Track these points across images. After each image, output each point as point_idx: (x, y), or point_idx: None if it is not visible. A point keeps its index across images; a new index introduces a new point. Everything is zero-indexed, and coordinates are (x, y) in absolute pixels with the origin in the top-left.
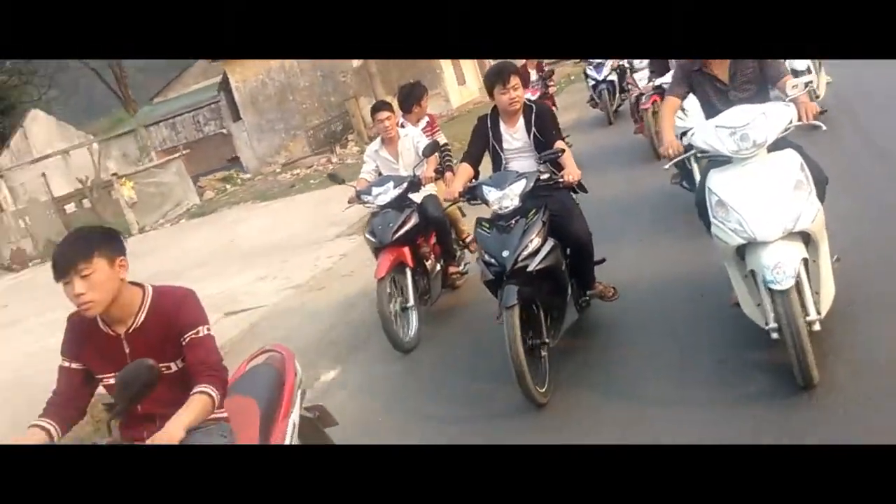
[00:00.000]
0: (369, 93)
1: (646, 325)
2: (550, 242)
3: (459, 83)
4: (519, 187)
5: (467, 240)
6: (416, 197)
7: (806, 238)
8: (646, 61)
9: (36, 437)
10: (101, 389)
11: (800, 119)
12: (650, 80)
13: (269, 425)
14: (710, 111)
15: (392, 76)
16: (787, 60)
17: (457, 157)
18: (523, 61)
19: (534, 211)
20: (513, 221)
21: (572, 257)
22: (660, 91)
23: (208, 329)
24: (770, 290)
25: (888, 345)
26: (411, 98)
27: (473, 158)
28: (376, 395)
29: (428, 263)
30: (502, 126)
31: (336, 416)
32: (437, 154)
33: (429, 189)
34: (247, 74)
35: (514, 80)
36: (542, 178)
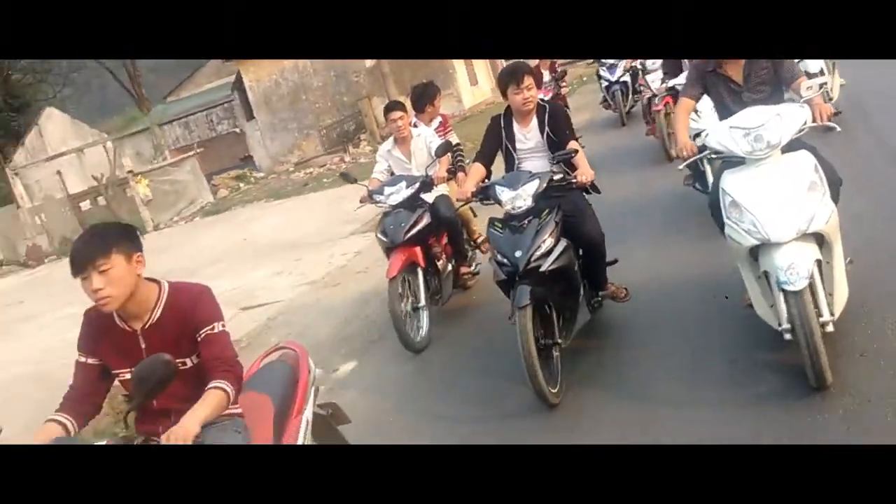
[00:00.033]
0: (382, 93)
1: (658, 325)
2: (563, 243)
3: (472, 83)
4: (532, 187)
5: (479, 240)
6: (428, 197)
7: (820, 239)
8: (658, 63)
9: (53, 431)
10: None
11: (814, 120)
12: (663, 81)
13: (282, 422)
14: (724, 112)
15: (405, 76)
16: (800, 62)
17: (469, 158)
18: (536, 62)
19: (547, 211)
20: (525, 221)
21: (585, 258)
22: (673, 92)
23: (223, 325)
24: (783, 290)
25: None
26: (424, 98)
27: (486, 158)
28: (387, 395)
29: (439, 263)
30: (515, 126)
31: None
32: (449, 154)
33: (441, 189)
34: (260, 74)
35: (528, 81)
36: (555, 178)
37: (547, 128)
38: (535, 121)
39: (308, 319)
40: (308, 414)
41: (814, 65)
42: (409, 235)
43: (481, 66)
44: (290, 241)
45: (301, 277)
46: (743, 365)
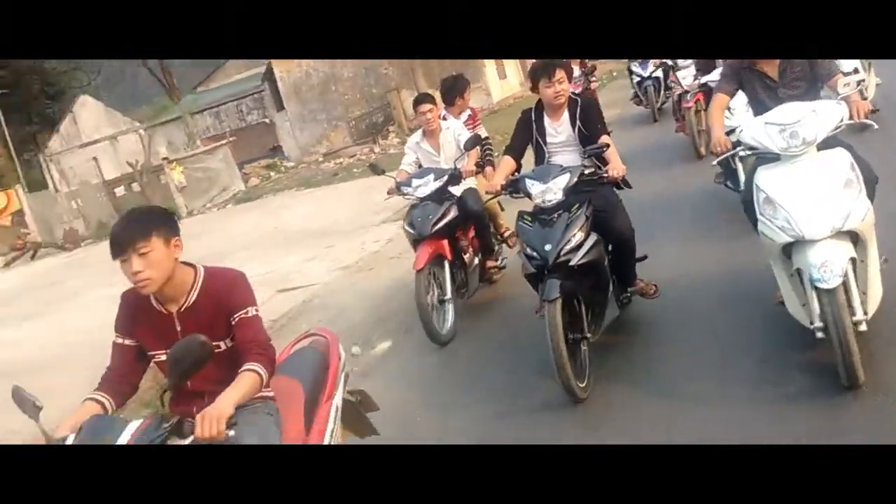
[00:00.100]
0: (411, 85)
1: (687, 323)
2: (593, 237)
3: (500, 77)
4: (563, 181)
5: (506, 234)
6: (456, 190)
7: (854, 238)
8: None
9: (91, 410)
10: None
11: (851, 117)
12: (696, 77)
13: (313, 407)
14: (759, 108)
15: (434, 69)
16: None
17: (497, 151)
18: None
19: (577, 205)
20: (555, 215)
21: (614, 253)
22: (705, 89)
23: (257, 310)
24: (817, 288)
25: None
26: (454, 91)
27: (516, 152)
28: (413, 386)
29: (466, 257)
30: (546, 120)
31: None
32: (478, 148)
33: (469, 182)
34: (291, 65)
35: (560, 74)
36: (586, 172)
37: (578, 122)
38: (566, 114)
39: (343, 302)
40: (338, 400)
41: (847, 64)
42: (436, 228)
43: (511, 61)
44: (321, 229)
45: (334, 263)
46: (773, 363)
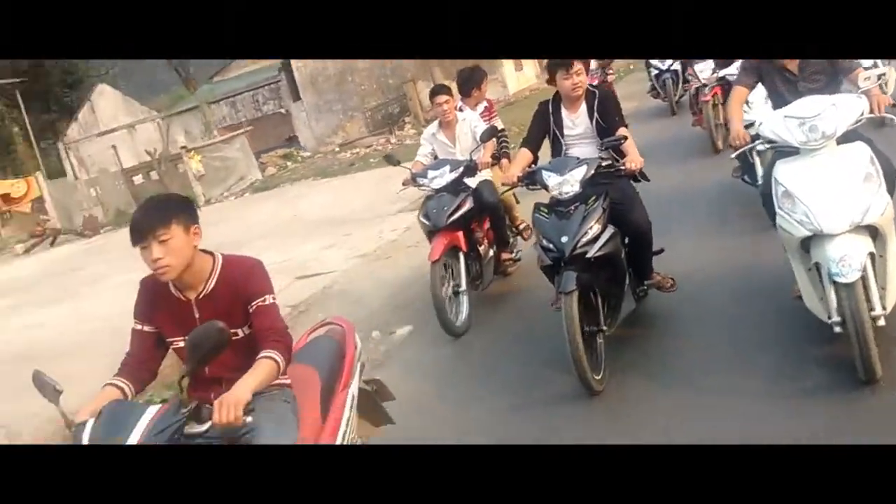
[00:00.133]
0: (427, 76)
1: (704, 316)
2: (610, 230)
3: (517, 69)
4: (580, 173)
5: (521, 226)
6: (472, 182)
7: (873, 232)
8: None
9: (111, 395)
10: None
11: (871, 111)
12: (714, 71)
13: (329, 395)
14: (779, 102)
15: (450, 60)
16: None
17: (514, 143)
18: None
19: (594, 198)
20: (572, 207)
21: (631, 246)
22: (722, 82)
23: (274, 298)
24: (835, 283)
25: None
26: (471, 82)
27: (533, 143)
28: (428, 376)
29: (481, 249)
30: (564, 112)
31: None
32: (494, 139)
33: (484, 174)
34: None
35: (578, 66)
36: (603, 164)
37: (596, 114)
38: (583, 107)
39: (362, 289)
40: (354, 388)
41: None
42: (451, 219)
43: None
44: (339, 217)
45: (352, 251)
46: (791, 357)
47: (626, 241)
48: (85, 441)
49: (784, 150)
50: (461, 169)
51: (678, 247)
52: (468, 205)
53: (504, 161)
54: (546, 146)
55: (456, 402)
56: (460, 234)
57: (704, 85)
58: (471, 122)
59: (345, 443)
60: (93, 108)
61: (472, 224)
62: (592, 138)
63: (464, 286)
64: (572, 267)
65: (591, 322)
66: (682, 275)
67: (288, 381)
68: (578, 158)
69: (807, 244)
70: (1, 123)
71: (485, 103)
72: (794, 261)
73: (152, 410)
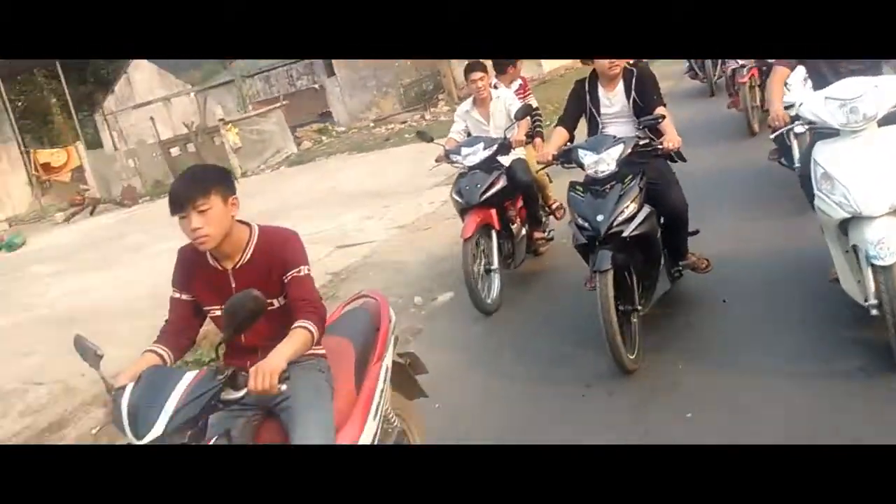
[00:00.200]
0: None
1: (738, 298)
2: (646, 209)
3: None
4: (616, 152)
5: (553, 206)
6: (505, 160)
7: None
8: None
9: (151, 361)
10: None
11: None
12: None
13: (363, 367)
14: (820, 83)
15: None
16: None
17: (550, 121)
18: None
19: (630, 177)
20: (608, 186)
21: (667, 226)
22: (760, 64)
23: (308, 270)
24: (872, 265)
25: None
26: (505, 60)
27: (569, 122)
28: (459, 352)
29: (513, 227)
30: (600, 90)
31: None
32: (528, 118)
33: (518, 153)
34: None
35: None
36: (640, 143)
37: (634, 92)
38: (621, 85)
39: (403, 258)
40: (388, 361)
41: None
42: (484, 197)
43: None
44: (376, 190)
45: (391, 222)
46: (826, 340)
47: (662, 221)
48: (124, 405)
49: (824, 132)
50: (495, 147)
51: (713, 228)
52: (501, 183)
53: (537, 140)
54: (582, 125)
55: (486, 378)
56: (493, 212)
57: (742, 66)
58: (505, 99)
59: (378, 414)
60: (129, 81)
61: (504, 202)
62: (629, 117)
63: (496, 264)
64: (607, 246)
65: (625, 301)
66: (716, 256)
67: (323, 352)
68: (615, 137)
69: (845, 226)
70: (39, 95)
71: (519, 81)
72: (831, 243)
73: (189, 376)
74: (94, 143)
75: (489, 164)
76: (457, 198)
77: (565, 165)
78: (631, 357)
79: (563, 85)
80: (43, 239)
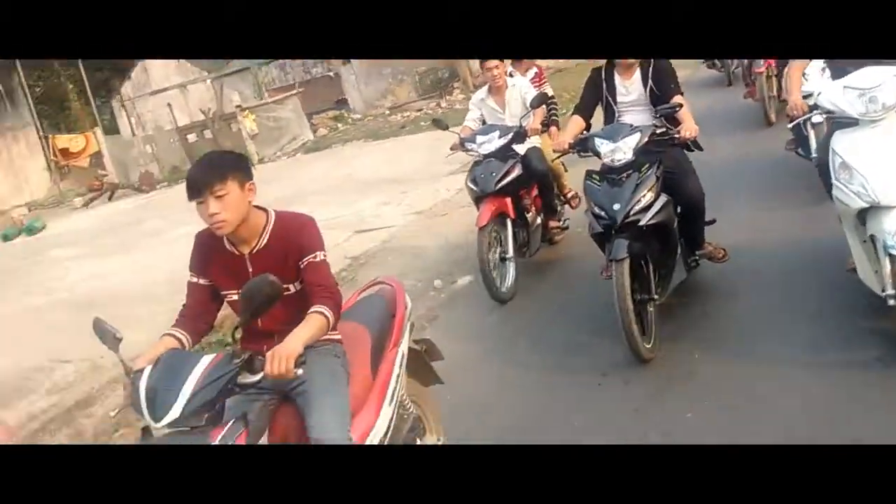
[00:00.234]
0: None
1: (755, 288)
2: (663, 198)
3: None
4: (633, 140)
5: (569, 195)
6: (520, 148)
7: None
8: None
9: (169, 344)
10: None
11: None
12: None
13: (379, 353)
14: (839, 72)
15: None
16: None
17: (567, 109)
18: None
19: (647, 165)
20: (624, 175)
21: (683, 215)
22: None
23: (325, 255)
24: (890, 255)
25: None
26: None
27: (586, 111)
28: (473, 341)
29: (528, 216)
30: (617, 79)
31: None
32: (544, 106)
33: (533, 141)
34: None
35: None
36: (657, 132)
37: (651, 81)
38: (638, 73)
39: (422, 242)
40: (403, 347)
41: None
42: (499, 186)
43: None
44: (392, 177)
45: (409, 208)
46: (843, 330)
47: (679, 210)
48: (142, 388)
49: (842, 121)
50: (510, 135)
51: (729, 218)
52: (516, 171)
53: (553, 128)
54: (599, 113)
55: (501, 366)
56: (508, 200)
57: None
58: (521, 88)
59: (394, 400)
60: (145, 68)
61: (520, 191)
62: (646, 105)
63: (510, 253)
64: (624, 235)
65: (642, 290)
66: (732, 246)
67: (339, 337)
68: (632, 125)
69: (863, 216)
70: (57, 81)
71: (535, 69)
72: (849, 233)
73: (207, 360)
74: (111, 129)
75: (504, 153)
76: (472, 186)
77: (582, 154)
78: (647, 346)
79: (578, 73)
80: (62, 224)
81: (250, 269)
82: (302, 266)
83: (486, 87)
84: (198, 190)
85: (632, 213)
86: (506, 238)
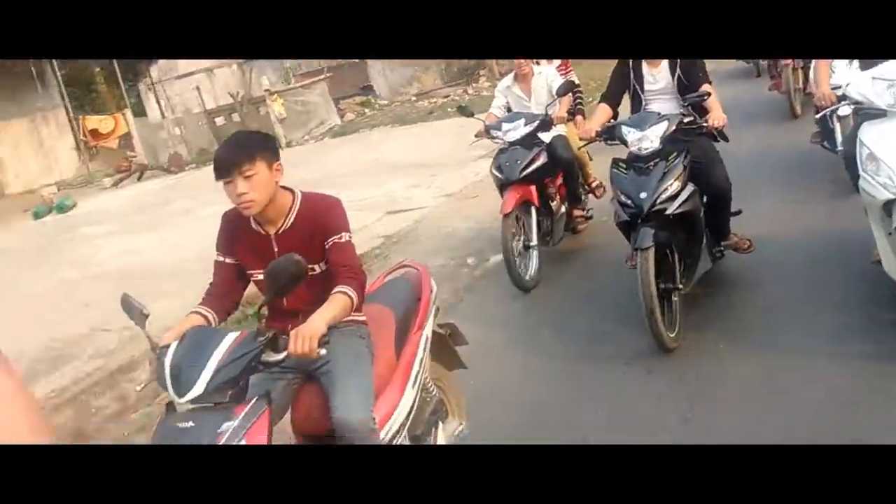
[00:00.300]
0: None
1: (780, 279)
2: (690, 187)
3: None
4: (660, 129)
5: (593, 184)
6: (546, 136)
7: None
8: None
9: (195, 322)
10: None
11: None
12: None
13: (403, 335)
14: (867, 63)
15: None
16: None
17: (593, 97)
18: None
19: (674, 154)
20: (651, 164)
21: (710, 205)
22: None
23: (350, 236)
24: None
25: None
26: None
27: (613, 99)
28: (496, 329)
29: (553, 204)
30: (644, 67)
31: None
32: (570, 94)
33: (558, 129)
34: None
35: None
36: (684, 121)
37: (679, 70)
38: (665, 62)
39: (453, 222)
40: (428, 331)
41: None
42: (524, 173)
43: None
44: (421, 161)
45: (438, 190)
46: (867, 321)
47: (705, 200)
48: (167, 363)
49: (870, 113)
50: (536, 123)
51: (754, 209)
52: (542, 159)
53: (578, 117)
54: (626, 102)
55: (525, 354)
56: (533, 188)
57: None
58: (547, 76)
59: (418, 382)
60: None
61: (544, 179)
62: (673, 94)
63: (534, 241)
64: (650, 224)
65: (667, 280)
66: (757, 237)
67: (363, 319)
68: (659, 114)
69: (889, 207)
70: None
71: None
72: (874, 224)
73: (231, 337)
74: (139, 112)
75: (530, 141)
76: (496, 173)
77: (608, 142)
78: (671, 335)
79: (604, 63)
80: (91, 203)
81: (276, 249)
82: (327, 246)
83: (512, 75)
84: (226, 170)
85: (658, 202)
86: (530, 226)
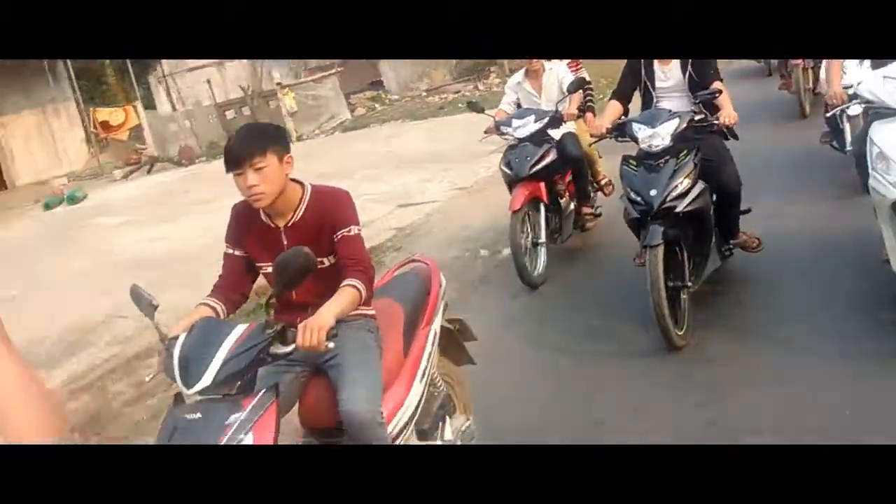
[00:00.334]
0: None
1: (788, 278)
2: (700, 185)
3: None
4: (671, 126)
5: (602, 182)
6: (556, 133)
7: None
8: None
9: (204, 313)
10: None
11: None
12: None
13: (412, 330)
14: (878, 63)
15: None
16: None
17: (604, 94)
18: None
19: (685, 152)
20: (662, 161)
21: (719, 204)
22: None
23: (359, 230)
24: None
25: None
26: None
27: (623, 96)
28: (503, 325)
29: (562, 201)
30: (656, 64)
31: None
32: (580, 91)
33: (568, 126)
34: None
35: None
36: (695, 118)
37: (690, 67)
38: (676, 59)
39: (465, 216)
40: (436, 326)
41: None
42: (534, 170)
43: None
44: (433, 155)
45: (451, 184)
46: (875, 320)
47: (715, 198)
48: (176, 354)
49: (881, 112)
50: (546, 119)
51: (763, 208)
52: (551, 156)
53: (588, 114)
54: (637, 99)
55: (532, 351)
56: (542, 185)
57: None
58: (558, 72)
59: (425, 377)
60: None
61: (554, 176)
62: (684, 91)
63: (543, 238)
64: (659, 221)
65: (675, 277)
66: (766, 236)
67: (372, 312)
68: (670, 111)
69: None
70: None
71: None
72: (884, 224)
73: (240, 329)
74: (148, 105)
75: (539, 137)
76: (506, 169)
77: (619, 139)
78: (679, 333)
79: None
80: (102, 194)
81: (285, 242)
82: (336, 239)
83: (522, 71)
84: (237, 162)
85: (668, 199)
86: (538, 223)
